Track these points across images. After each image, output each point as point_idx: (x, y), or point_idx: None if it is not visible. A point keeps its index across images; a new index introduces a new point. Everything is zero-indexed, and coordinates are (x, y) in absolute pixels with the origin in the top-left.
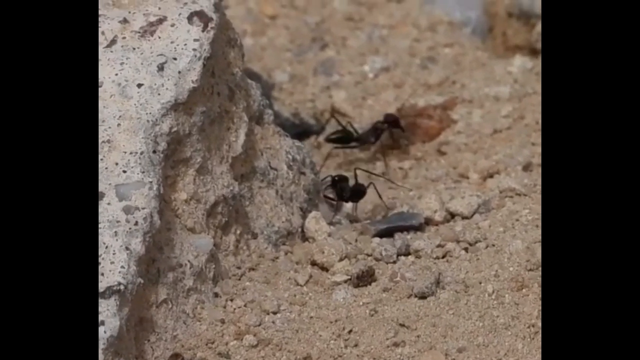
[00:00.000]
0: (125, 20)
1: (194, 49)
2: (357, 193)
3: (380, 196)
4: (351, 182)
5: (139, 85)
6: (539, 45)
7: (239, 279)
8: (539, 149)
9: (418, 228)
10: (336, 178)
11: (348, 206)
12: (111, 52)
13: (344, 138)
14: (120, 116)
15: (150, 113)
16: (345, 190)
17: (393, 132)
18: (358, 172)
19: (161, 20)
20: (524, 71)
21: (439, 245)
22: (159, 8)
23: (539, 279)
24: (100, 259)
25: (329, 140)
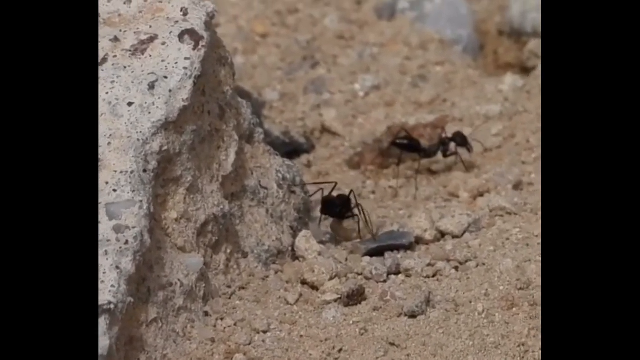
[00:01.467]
0: (116, 39)
1: (185, 68)
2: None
3: (366, 220)
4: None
5: (130, 104)
6: (530, 64)
7: (229, 298)
8: (529, 168)
9: (408, 247)
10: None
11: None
12: (102, 70)
13: (411, 146)
14: (110, 135)
15: (140, 132)
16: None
17: (458, 149)
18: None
19: (152, 39)
20: (515, 89)
21: (429, 264)
22: (150, 26)
23: (529, 297)
24: None
25: (395, 143)
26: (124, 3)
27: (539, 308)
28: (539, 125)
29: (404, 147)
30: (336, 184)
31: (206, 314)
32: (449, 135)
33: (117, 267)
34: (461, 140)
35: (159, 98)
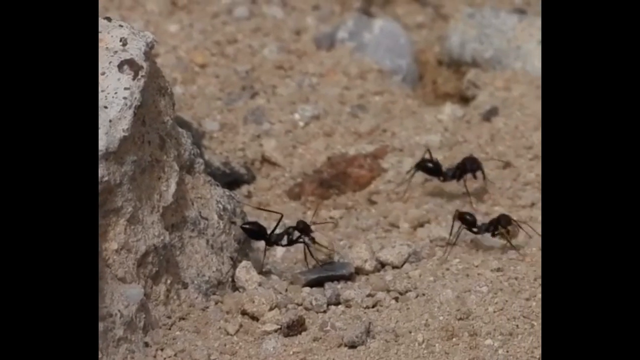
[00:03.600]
0: None
1: (125, 98)
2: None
3: (311, 253)
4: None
5: None
6: (469, 93)
7: (169, 329)
8: (469, 198)
9: (348, 277)
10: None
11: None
12: None
13: (433, 170)
14: None
15: None
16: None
17: (476, 175)
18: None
19: None
20: (454, 119)
21: (369, 295)
22: None
23: (469, 328)
24: None
25: (419, 166)
26: None
27: (479, 338)
28: (479, 155)
29: (428, 170)
30: (282, 215)
31: (146, 344)
32: (460, 161)
33: None
34: (476, 166)
35: (99, 128)
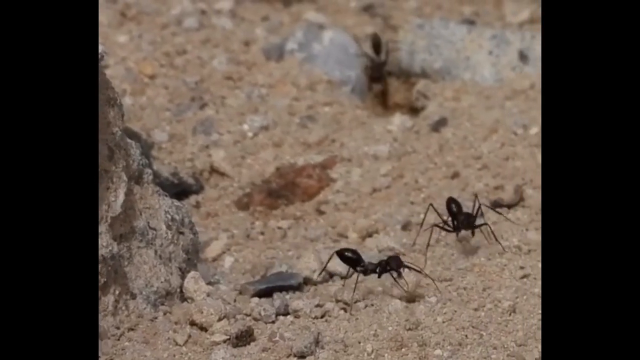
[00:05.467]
0: None
1: None
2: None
3: (397, 282)
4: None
5: None
6: (418, 104)
7: (118, 339)
8: (417, 208)
9: (297, 288)
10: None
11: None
12: None
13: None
14: None
15: None
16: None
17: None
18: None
19: None
20: (404, 130)
21: (317, 305)
22: None
23: (418, 338)
24: None
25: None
26: None
27: (428, 348)
28: (428, 165)
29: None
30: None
31: None
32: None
33: None
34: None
35: None
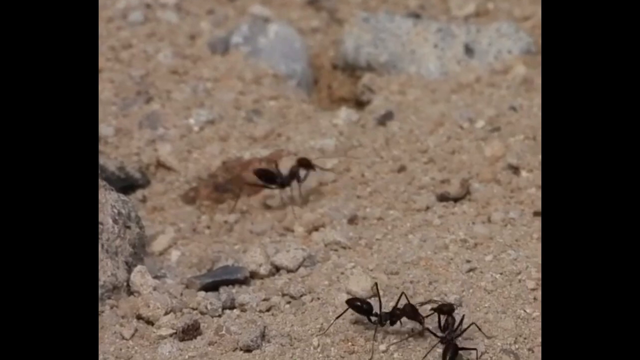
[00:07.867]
0: None
1: None
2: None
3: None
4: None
5: None
6: (364, 98)
7: None
8: (364, 202)
9: (243, 282)
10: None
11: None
12: None
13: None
14: None
15: None
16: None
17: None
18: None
19: None
20: (350, 123)
21: (264, 299)
22: None
23: (365, 332)
24: None
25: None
26: None
27: (374, 342)
28: (374, 159)
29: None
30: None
31: None
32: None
33: None
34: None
35: None
